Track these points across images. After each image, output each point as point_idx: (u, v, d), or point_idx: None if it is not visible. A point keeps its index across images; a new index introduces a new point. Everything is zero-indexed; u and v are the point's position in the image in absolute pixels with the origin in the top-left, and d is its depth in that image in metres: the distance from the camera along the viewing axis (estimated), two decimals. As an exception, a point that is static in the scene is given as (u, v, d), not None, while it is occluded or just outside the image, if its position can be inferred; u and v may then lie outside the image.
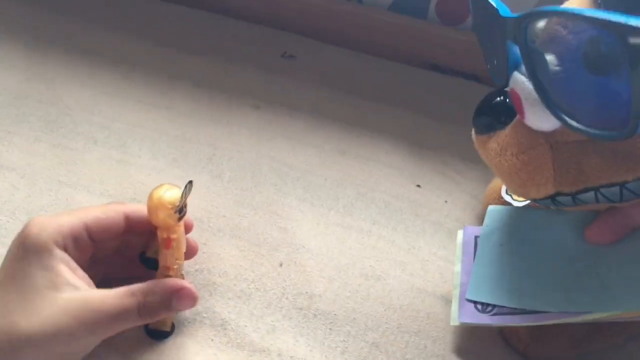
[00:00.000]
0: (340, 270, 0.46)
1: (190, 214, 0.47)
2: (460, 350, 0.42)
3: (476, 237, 0.44)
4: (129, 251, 0.42)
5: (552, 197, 0.36)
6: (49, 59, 0.60)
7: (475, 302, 0.40)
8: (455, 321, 0.41)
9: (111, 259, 0.42)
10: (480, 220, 0.50)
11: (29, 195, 0.48)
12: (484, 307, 0.40)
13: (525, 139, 0.35)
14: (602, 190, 0.34)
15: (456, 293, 0.42)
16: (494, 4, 0.33)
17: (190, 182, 0.39)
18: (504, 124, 0.37)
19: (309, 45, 0.68)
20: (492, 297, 0.40)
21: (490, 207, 0.44)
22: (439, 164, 0.56)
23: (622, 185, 0.33)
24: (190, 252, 0.43)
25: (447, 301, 0.45)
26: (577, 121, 0.32)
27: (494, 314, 0.39)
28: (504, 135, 0.37)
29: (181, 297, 0.38)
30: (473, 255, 0.44)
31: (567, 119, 0.33)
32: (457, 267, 0.44)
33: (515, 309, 0.38)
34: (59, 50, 0.61)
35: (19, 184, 0.48)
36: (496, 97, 0.37)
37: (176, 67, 0.62)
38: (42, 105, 0.55)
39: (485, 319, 0.39)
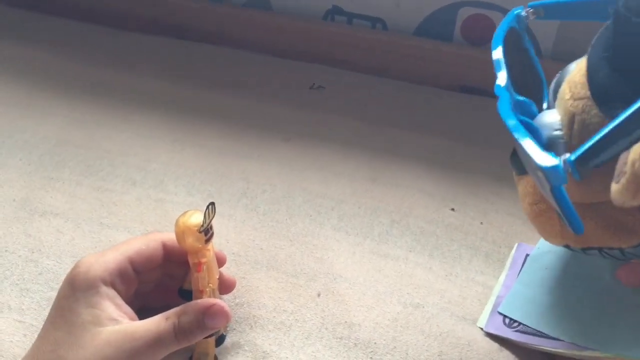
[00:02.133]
0: (378, 299, 0.46)
1: (227, 248, 0.49)
2: (504, 375, 0.42)
3: (527, 255, 0.47)
4: (170, 282, 0.43)
5: (566, 247, 0.38)
6: (85, 106, 0.62)
7: (504, 316, 0.43)
8: (481, 323, 0.44)
9: (153, 291, 0.43)
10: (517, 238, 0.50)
11: (73, 239, 0.49)
12: (511, 322, 0.43)
13: (539, 191, 0.37)
14: (605, 249, 0.36)
15: (491, 300, 0.46)
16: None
17: (212, 203, 0.40)
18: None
19: (337, 74, 0.69)
20: (521, 316, 0.43)
21: None
22: (472, 186, 0.56)
23: (620, 249, 0.35)
24: (228, 287, 0.44)
25: (488, 327, 0.45)
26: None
27: (517, 331, 0.42)
28: (527, 181, 0.39)
29: (212, 315, 0.39)
30: (518, 271, 0.46)
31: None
32: (501, 277, 0.47)
33: (536, 330, 0.41)
34: (95, 97, 0.64)
35: (63, 228, 0.50)
36: None
37: (206, 105, 0.64)
38: (81, 150, 0.57)
39: (508, 334, 0.43)
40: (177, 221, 0.41)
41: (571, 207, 0.30)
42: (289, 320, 0.45)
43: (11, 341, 0.42)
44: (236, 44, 0.73)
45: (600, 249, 0.36)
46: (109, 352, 0.36)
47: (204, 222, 0.40)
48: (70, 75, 0.66)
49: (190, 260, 0.41)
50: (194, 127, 0.61)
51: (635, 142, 0.28)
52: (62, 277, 0.45)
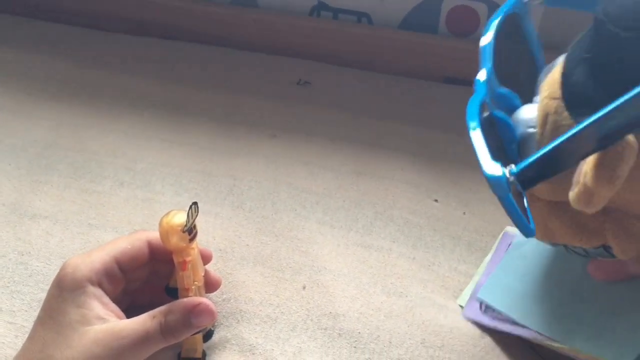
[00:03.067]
0: (362, 290, 0.47)
1: (214, 245, 0.49)
2: (485, 361, 0.43)
3: (511, 243, 0.47)
4: (157, 280, 0.44)
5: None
6: (73, 108, 0.63)
7: (481, 302, 0.44)
8: (461, 301, 0.46)
9: (140, 289, 0.44)
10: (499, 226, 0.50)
11: (61, 240, 0.50)
12: (487, 308, 0.44)
13: None
14: (569, 246, 0.36)
15: (474, 279, 0.47)
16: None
17: (195, 203, 0.41)
18: None
19: (323, 70, 0.70)
20: (496, 302, 0.43)
21: None
22: (455, 176, 0.56)
23: (582, 248, 0.35)
24: (214, 285, 0.45)
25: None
26: None
27: (493, 318, 0.43)
28: None
29: (198, 313, 0.40)
30: (501, 258, 0.47)
31: None
32: (484, 264, 0.48)
33: (508, 317, 0.42)
34: (82, 99, 0.64)
35: (52, 230, 0.51)
36: None
37: (194, 104, 0.64)
38: (69, 153, 0.58)
39: (484, 320, 0.44)
40: (160, 221, 0.41)
41: (519, 213, 0.30)
42: (274, 313, 0.45)
43: (3, 342, 0.43)
44: (223, 41, 0.73)
45: (565, 246, 0.36)
46: (96, 350, 0.37)
47: (187, 221, 0.41)
48: (57, 78, 0.67)
49: (175, 259, 0.42)
50: (181, 126, 0.62)
51: (583, 158, 0.28)
52: (52, 278, 0.46)
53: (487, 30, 0.35)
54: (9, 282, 0.47)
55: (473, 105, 0.32)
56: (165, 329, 0.39)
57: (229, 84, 0.67)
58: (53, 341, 0.38)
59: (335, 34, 0.70)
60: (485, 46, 0.34)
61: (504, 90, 0.35)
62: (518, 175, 0.28)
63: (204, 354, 0.43)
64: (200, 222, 0.43)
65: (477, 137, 0.30)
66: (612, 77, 0.29)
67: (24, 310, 0.45)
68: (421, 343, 0.44)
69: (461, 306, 0.46)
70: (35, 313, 0.42)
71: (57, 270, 0.44)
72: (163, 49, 0.72)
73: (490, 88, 0.34)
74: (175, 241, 0.41)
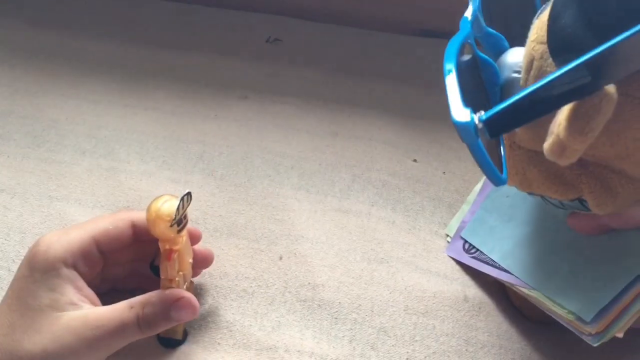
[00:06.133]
0: (341, 257, 0.45)
1: (188, 218, 0.47)
2: (469, 326, 0.41)
3: None
4: (140, 262, 0.41)
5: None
6: (29, 74, 0.59)
7: (465, 241, 0.44)
8: (448, 231, 0.46)
9: (123, 270, 0.41)
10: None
11: (21, 214, 0.47)
12: (470, 247, 0.43)
13: None
14: (547, 197, 0.35)
15: (464, 209, 0.47)
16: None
17: (189, 193, 0.38)
18: None
19: (294, 25, 0.66)
20: (479, 242, 0.43)
21: None
22: (435, 134, 0.54)
23: (559, 200, 0.35)
24: (205, 261, 0.42)
25: (453, 280, 0.44)
26: None
27: (473, 257, 0.43)
28: None
29: (179, 308, 0.38)
30: (485, 198, 0.46)
31: None
32: (477, 187, 0.47)
33: (489, 258, 0.42)
34: (40, 63, 0.60)
35: (10, 204, 0.48)
36: None
37: (158, 65, 0.61)
38: (26, 121, 0.54)
39: (465, 259, 0.43)
40: (149, 207, 0.37)
41: (488, 161, 0.28)
42: (251, 287, 0.43)
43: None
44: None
45: (543, 196, 0.35)
46: (68, 339, 0.35)
47: (177, 214, 0.37)
48: (11, 42, 0.62)
49: (161, 247, 0.38)
50: (145, 90, 0.58)
51: (556, 107, 0.27)
52: (11, 254, 0.43)
53: None
54: (-35, 263, 0.44)
55: (453, 45, 0.31)
56: (142, 321, 0.36)
57: (195, 43, 0.63)
58: (21, 325, 0.35)
59: (306, -14, 0.66)
60: None
61: (491, 30, 0.34)
62: (487, 121, 0.27)
63: (185, 334, 0.41)
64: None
65: (451, 82, 0.29)
66: (602, 20, 0.27)
67: (-17, 291, 0.42)
68: (404, 310, 0.42)
69: (447, 235, 0.45)
70: (-5, 293, 0.40)
71: (17, 245, 0.41)
72: (123, 7, 0.67)
73: (478, 27, 0.33)
74: (161, 230, 0.37)
